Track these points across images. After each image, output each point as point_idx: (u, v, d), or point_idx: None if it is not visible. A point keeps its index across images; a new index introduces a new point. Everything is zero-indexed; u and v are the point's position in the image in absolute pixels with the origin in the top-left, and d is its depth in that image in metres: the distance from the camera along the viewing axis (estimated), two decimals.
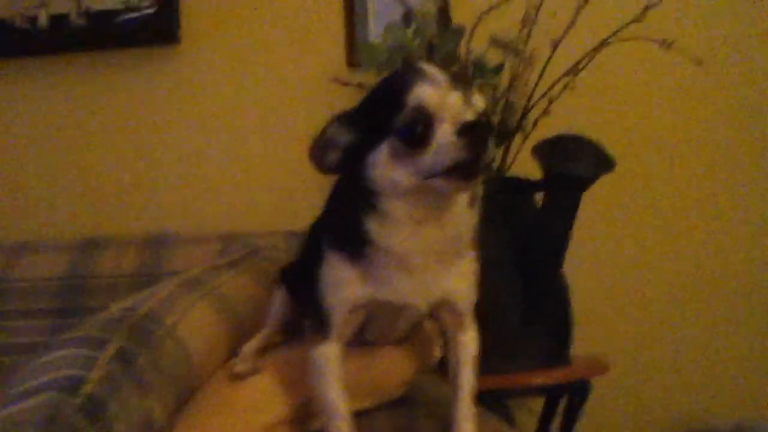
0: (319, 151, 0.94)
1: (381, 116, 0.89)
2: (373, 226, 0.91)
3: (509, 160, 1.78)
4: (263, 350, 1.15)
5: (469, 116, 0.85)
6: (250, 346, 1.15)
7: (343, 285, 0.96)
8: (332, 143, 0.93)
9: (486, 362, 1.41)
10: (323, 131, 0.94)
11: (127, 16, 1.96)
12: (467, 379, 1.02)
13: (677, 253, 2.11)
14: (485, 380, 1.38)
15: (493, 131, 0.90)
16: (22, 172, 2.04)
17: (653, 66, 2.02)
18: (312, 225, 1.12)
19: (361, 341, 1.05)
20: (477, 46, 1.75)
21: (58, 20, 1.94)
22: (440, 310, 1.01)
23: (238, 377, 1.10)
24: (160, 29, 1.98)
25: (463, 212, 0.94)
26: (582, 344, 1.74)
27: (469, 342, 1.03)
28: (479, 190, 0.96)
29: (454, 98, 0.86)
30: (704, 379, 2.09)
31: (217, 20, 2.06)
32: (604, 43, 1.72)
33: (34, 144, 2.04)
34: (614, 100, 2.07)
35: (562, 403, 1.74)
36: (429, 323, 1.05)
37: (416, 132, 0.86)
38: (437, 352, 1.15)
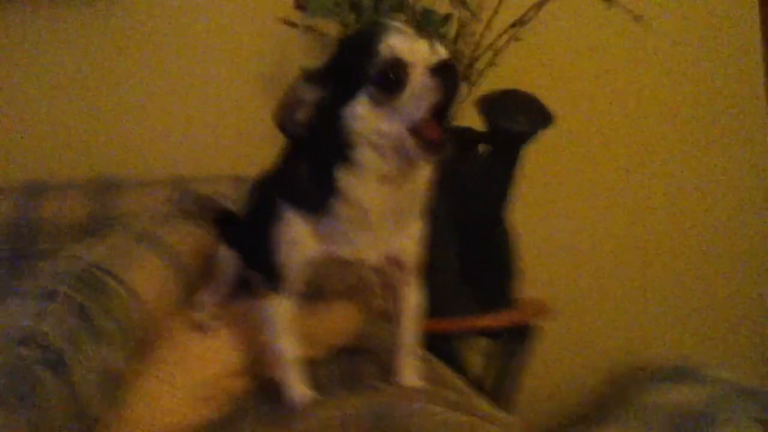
0: (286, 112, 0.96)
1: (354, 69, 0.92)
2: (344, 178, 0.94)
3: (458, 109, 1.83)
4: (221, 303, 1.19)
5: (437, 60, 0.89)
6: (209, 298, 1.19)
7: (299, 242, 0.98)
8: (301, 102, 0.95)
9: (430, 307, 1.49)
10: (290, 91, 0.95)
11: None
12: (409, 328, 1.08)
13: (619, 203, 2.21)
14: (429, 323, 1.46)
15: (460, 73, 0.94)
16: None
17: (598, 21, 2.06)
18: (261, 181, 1.13)
19: (308, 293, 1.09)
20: None
21: None
22: (389, 267, 1.05)
23: (202, 329, 1.14)
24: None
25: (424, 174, 0.99)
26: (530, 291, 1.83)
27: (412, 294, 1.09)
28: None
29: (422, 45, 0.90)
30: (647, 322, 2.23)
31: None
32: None
33: None
34: (559, 54, 2.12)
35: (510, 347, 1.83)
36: (372, 274, 1.10)
37: (392, 78, 0.89)
38: (381, 303, 1.20)
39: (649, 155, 2.22)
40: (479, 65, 1.80)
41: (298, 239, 0.99)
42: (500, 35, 1.78)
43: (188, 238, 1.28)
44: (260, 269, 1.07)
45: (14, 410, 0.75)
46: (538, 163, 1.77)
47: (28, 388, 0.78)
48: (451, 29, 1.79)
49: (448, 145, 0.91)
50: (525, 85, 1.68)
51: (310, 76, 0.96)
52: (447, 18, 1.74)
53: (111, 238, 1.14)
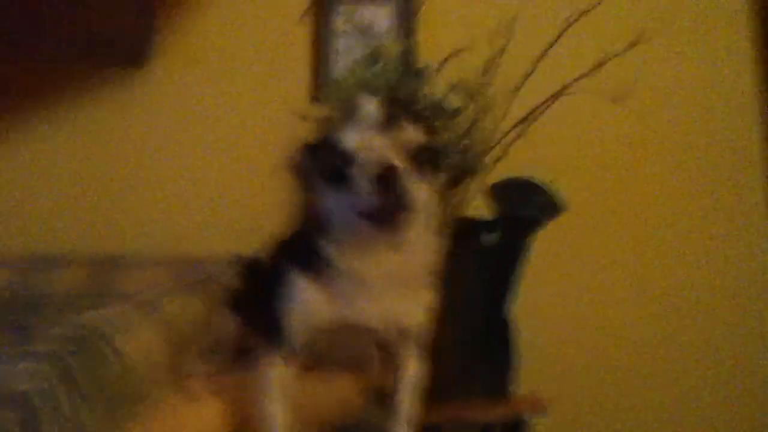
0: (292, 171, 1.03)
1: (322, 152, 0.98)
2: (329, 249, 0.95)
3: (467, 200, 1.84)
4: (216, 373, 1.17)
5: (390, 160, 0.91)
6: (203, 367, 1.16)
7: (308, 306, 1.00)
8: (301, 167, 1.02)
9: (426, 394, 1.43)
10: (296, 154, 1.03)
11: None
12: (405, 404, 1.05)
13: (621, 296, 2.18)
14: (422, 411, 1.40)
15: (419, 166, 0.95)
16: None
17: (604, 115, 2.11)
18: (271, 249, 1.15)
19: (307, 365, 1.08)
20: (440, 88, 1.83)
21: None
22: (393, 335, 1.04)
23: (193, 398, 1.11)
24: (133, 52, 1.99)
25: (422, 240, 0.98)
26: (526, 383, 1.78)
27: (414, 370, 1.07)
28: (435, 219, 1.01)
29: (377, 141, 0.93)
30: (647, 421, 2.14)
31: (187, 47, 2.09)
32: (554, 97, 1.80)
33: None
34: (567, 148, 2.15)
35: None
36: (374, 350, 1.09)
37: (340, 172, 0.93)
38: (379, 379, 1.17)
39: (657, 246, 2.20)
40: (490, 158, 1.82)
41: (306, 303, 1.00)
42: (508, 132, 1.81)
43: (188, 307, 1.27)
44: (264, 333, 1.06)
45: None
46: (544, 251, 1.75)
47: None
48: (465, 122, 1.83)
49: (400, 225, 0.93)
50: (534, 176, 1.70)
51: (309, 147, 1.03)
52: (458, 111, 1.77)
53: (110, 305, 1.13)
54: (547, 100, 1.80)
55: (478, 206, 1.72)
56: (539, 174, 1.73)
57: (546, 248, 1.85)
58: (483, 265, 1.62)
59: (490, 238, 1.65)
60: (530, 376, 1.80)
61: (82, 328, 0.98)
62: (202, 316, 1.28)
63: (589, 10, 1.73)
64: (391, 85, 1.77)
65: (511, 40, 1.79)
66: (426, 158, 0.97)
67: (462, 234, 1.70)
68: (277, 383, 1.01)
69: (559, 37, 1.76)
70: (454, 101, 1.80)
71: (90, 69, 2.01)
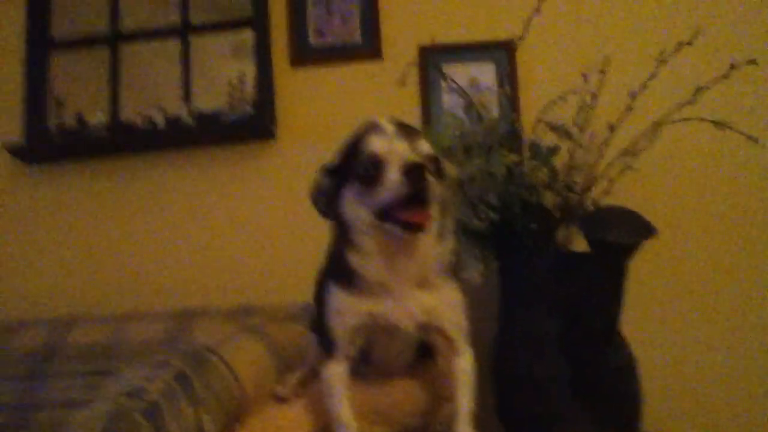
0: (313, 198, 1.14)
1: (346, 163, 1.09)
2: (352, 257, 1.08)
3: (571, 238, 1.86)
4: (303, 383, 1.29)
5: (413, 159, 1.03)
6: (292, 377, 1.29)
7: (343, 309, 1.12)
8: (321, 189, 1.13)
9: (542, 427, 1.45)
10: (315, 181, 1.14)
11: (230, 116, 2.25)
12: (464, 400, 1.11)
13: (744, 326, 2.07)
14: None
15: (432, 171, 1.06)
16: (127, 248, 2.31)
17: (708, 145, 2.06)
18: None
19: (376, 374, 1.17)
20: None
21: (172, 121, 2.26)
22: (432, 335, 1.12)
23: (279, 400, 1.23)
24: (259, 127, 2.24)
25: (431, 244, 1.10)
26: (652, 421, 1.73)
27: (463, 365, 1.13)
28: (447, 225, 1.13)
29: (400, 145, 1.05)
30: None
31: (309, 118, 2.30)
32: (658, 125, 1.81)
33: (147, 224, 2.31)
34: (671, 179, 2.11)
35: None
36: (439, 359, 1.16)
37: (369, 174, 1.05)
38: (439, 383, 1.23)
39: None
40: (594, 194, 1.84)
41: (341, 307, 1.12)
42: (611, 164, 1.83)
43: (288, 332, 1.41)
44: (321, 341, 1.19)
45: None
46: (664, 286, 1.72)
47: (128, 431, 0.90)
48: (564, 161, 1.87)
49: (425, 224, 1.03)
50: (640, 211, 1.70)
51: (326, 168, 1.14)
52: (554, 150, 1.83)
53: (225, 327, 1.29)
54: (649, 129, 1.81)
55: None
56: (648, 206, 1.73)
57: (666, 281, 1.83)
58: (585, 293, 1.62)
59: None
60: (657, 412, 1.75)
61: (195, 345, 1.15)
62: (298, 339, 1.41)
63: (689, 42, 1.74)
64: (492, 142, 1.85)
65: (606, 79, 1.83)
66: (435, 167, 1.08)
67: (569, 268, 1.73)
68: (334, 378, 1.11)
69: (658, 67, 1.78)
70: (549, 140, 1.86)
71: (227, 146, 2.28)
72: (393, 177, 1.03)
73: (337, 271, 1.13)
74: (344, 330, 1.12)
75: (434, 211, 1.07)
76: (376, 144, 1.06)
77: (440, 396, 1.24)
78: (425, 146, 1.08)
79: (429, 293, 1.11)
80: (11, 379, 1.64)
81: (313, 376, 1.29)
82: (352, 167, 1.08)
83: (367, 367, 1.19)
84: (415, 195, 1.01)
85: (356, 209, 1.08)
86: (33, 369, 1.66)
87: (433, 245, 1.11)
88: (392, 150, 1.05)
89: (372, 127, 1.09)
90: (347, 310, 1.11)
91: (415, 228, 1.03)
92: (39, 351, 1.72)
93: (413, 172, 1.01)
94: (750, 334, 2.05)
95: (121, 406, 0.93)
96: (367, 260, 1.08)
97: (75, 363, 1.69)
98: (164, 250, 2.27)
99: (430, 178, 1.02)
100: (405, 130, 1.09)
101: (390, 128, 1.08)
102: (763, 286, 2.08)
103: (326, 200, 1.13)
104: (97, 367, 1.65)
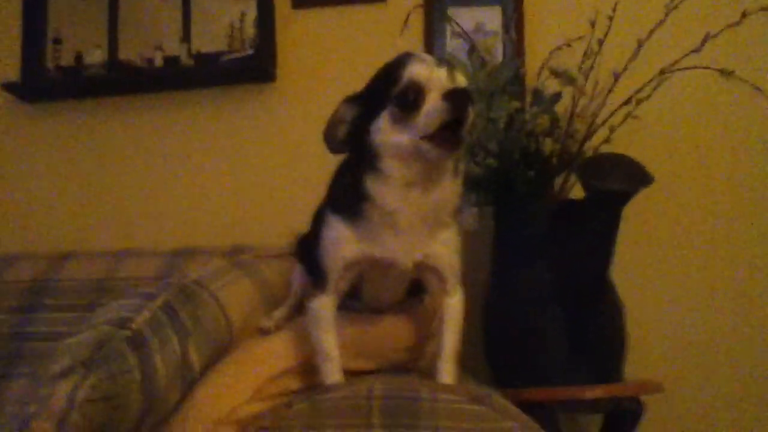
0: (331, 129, 1.12)
1: (381, 91, 1.07)
2: (372, 185, 1.07)
3: (569, 186, 1.85)
4: (288, 317, 1.30)
5: (456, 85, 1.02)
6: (278, 312, 1.30)
7: (340, 243, 1.11)
8: (342, 119, 1.11)
9: (537, 374, 1.46)
10: (335, 111, 1.11)
11: (229, 57, 2.21)
12: (451, 338, 1.12)
13: (733, 276, 2.05)
14: (536, 392, 1.43)
15: (473, 99, 1.05)
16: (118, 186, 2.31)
17: (713, 95, 2.03)
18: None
19: (364, 309, 1.17)
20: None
21: (171, 61, 2.23)
22: (426, 274, 1.12)
23: (262, 332, 1.25)
24: (258, 69, 2.21)
25: (447, 181, 1.09)
26: (635, 365, 1.76)
27: (453, 305, 1.14)
28: (461, 163, 1.12)
29: (440, 73, 1.04)
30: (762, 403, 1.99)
31: (310, 61, 2.27)
32: (663, 73, 1.77)
33: (145, 164, 2.30)
34: (673, 129, 2.08)
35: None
36: (428, 298, 1.16)
37: (409, 100, 1.04)
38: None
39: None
40: (594, 142, 1.82)
41: (338, 241, 1.11)
42: (614, 112, 1.81)
43: (276, 267, 1.41)
44: (311, 273, 1.19)
45: (96, 372, 0.88)
46: (651, 233, 1.71)
47: (111, 358, 0.90)
48: (567, 108, 1.85)
49: (459, 145, 1.03)
50: (640, 159, 1.68)
51: (350, 98, 1.12)
52: (556, 96, 1.80)
53: (215, 262, 1.29)
54: (653, 79, 1.78)
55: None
56: (646, 155, 1.71)
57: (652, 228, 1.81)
58: (579, 240, 1.61)
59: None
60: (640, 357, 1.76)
61: (184, 278, 1.15)
62: (287, 276, 1.41)
63: None
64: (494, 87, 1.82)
65: (613, 26, 1.79)
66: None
67: (564, 215, 1.72)
68: (322, 312, 1.11)
69: (665, 17, 1.74)
70: (552, 87, 1.83)
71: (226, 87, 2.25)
72: (435, 102, 1.02)
73: (345, 201, 1.12)
74: (338, 264, 1.11)
75: (466, 136, 1.06)
76: (417, 70, 1.05)
77: (426, 334, 1.25)
78: (461, 77, 1.07)
79: (432, 232, 1.11)
80: (4, 311, 1.66)
81: (298, 309, 1.30)
82: (388, 94, 1.06)
83: (356, 302, 1.20)
84: (452, 122, 1.01)
85: (392, 135, 1.05)
86: (27, 301, 1.68)
87: (451, 184, 1.11)
88: (432, 77, 1.04)
89: (409, 57, 1.08)
90: (346, 243, 1.10)
91: (449, 147, 1.03)
92: (33, 284, 1.73)
93: (458, 98, 1.01)
94: (742, 285, 2.03)
95: (105, 334, 0.94)
96: (390, 187, 1.06)
97: (69, 297, 1.70)
98: (161, 189, 2.27)
99: (470, 106, 1.02)
100: (441, 61, 1.08)
101: (428, 57, 1.08)
102: (759, 240, 2.06)
103: (348, 129, 1.11)
104: (90, 301, 1.66)
